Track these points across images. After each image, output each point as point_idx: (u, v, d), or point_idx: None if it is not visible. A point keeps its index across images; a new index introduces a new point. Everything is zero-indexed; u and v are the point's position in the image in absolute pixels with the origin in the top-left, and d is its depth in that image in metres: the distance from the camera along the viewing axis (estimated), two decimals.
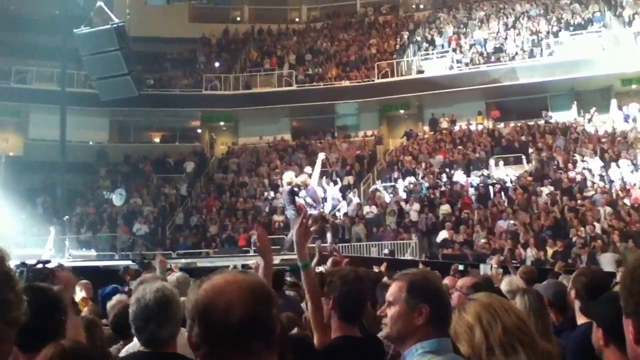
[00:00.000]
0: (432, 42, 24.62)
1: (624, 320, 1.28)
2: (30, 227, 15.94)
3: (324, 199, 17.17)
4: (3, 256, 1.12)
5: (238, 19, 30.16)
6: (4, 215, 15.16)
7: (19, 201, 17.68)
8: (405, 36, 25.69)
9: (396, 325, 1.79)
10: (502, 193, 17.19)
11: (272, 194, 19.83)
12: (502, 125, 22.15)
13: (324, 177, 19.29)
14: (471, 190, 17.56)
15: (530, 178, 17.37)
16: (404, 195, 17.99)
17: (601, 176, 16.69)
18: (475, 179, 18.24)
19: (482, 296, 1.90)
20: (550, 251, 13.29)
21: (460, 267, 8.63)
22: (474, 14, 26.07)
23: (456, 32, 24.72)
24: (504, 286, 4.10)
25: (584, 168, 17.09)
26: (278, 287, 4.54)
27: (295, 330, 3.08)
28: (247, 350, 1.22)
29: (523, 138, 20.14)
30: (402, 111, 24.84)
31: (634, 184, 15.83)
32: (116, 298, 4.11)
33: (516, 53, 22.23)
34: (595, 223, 14.13)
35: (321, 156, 13.18)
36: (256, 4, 30.07)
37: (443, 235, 15.31)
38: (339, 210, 17.39)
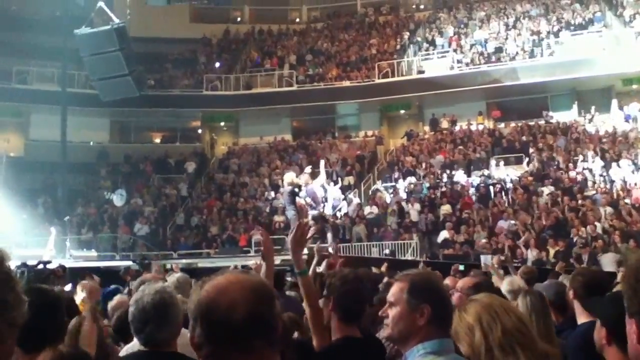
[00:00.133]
0: (432, 42, 24.62)
1: (627, 320, 1.28)
2: (31, 228, 15.94)
3: (325, 199, 17.20)
4: (3, 257, 1.12)
5: (239, 19, 30.17)
6: (5, 216, 15.18)
7: (19, 201, 17.71)
8: (406, 36, 25.69)
9: (398, 326, 1.79)
10: (503, 193, 17.19)
11: (272, 194, 19.84)
12: (502, 125, 22.15)
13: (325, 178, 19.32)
14: (472, 191, 17.55)
15: (531, 178, 17.37)
16: (404, 196, 17.98)
17: (602, 176, 16.68)
18: (475, 179, 18.24)
19: (483, 297, 1.90)
20: (552, 251, 13.28)
21: (461, 267, 8.61)
22: (475, 14, 26.07)
23: (457, 32, 24.72)
24: (505, 286, 4.09)
25: (584, 168, 17.09)
26: (279, 288, 4.55)
27: (295, 331, 3.08)
28: (249, 349, 1.22)
29: (524, 138, 20.13)
30: (402, 111, 24.84)
31: (635, 184, 15.82)
32: (117, 298, 4.12)
33: (517, 53, 22.22)
34: (596, 223, 14.12)
35: (322, 164, 13.21)
36: (257, 4, 30.09)
37: (444, 235, 15.30)
38: (339, 210, 17.39)
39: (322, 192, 15.64)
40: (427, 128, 23.58)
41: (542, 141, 19.53)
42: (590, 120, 20.49)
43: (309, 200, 12.71)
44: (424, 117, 24.23)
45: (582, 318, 2.95)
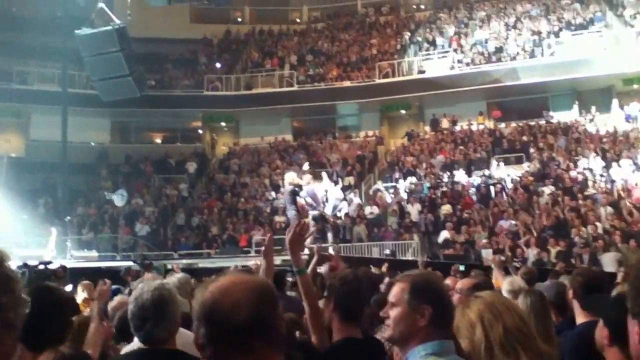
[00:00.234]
0: (433, 42, 24.61)
1: (630, 321, 1.28)
2: (32, 228, 15.94)
3: (325, 199, 17.21)
4: (2, 257, 1.11)
5: (239, 19, 30.18)
6: (6, 216, 15.19)
7: (20, 202, 17.71)
8: (406, 36, 25.69)
9: (398, 327, 1.79)
10: (504, 193, 17.18)
11: (273, 194, 19.84)
12: (503, 125, 22.14)
13: (325, 175, 19.33)
14: (472, 191, 17.54)
15: (531, 178, 17.36)
16: (405, 196, 17.97)
17: (602, 176, 16.66)
18: (476, 179, 18.23)
19: (487, 295, 1.90)
20: (553, 251, 13.26)
21: (461, 268, 8.61)
22: (475, 14, 26.07)
23: (457, 32, 24.71)
24: (505, 286, 4.09)
25: (585, 168, 17.07)
26: (279, 288, 4.56)
27: (296, 331, 3.09)
28: (253, 350, 1.23)
29: (524, 138, 20.13)
30: (403, 111, 24.84)
31: (636, 184, 15.80)
32: (117, 299, 4.12)
33: (517, 53, 22.22)
34: (596, 223, 14.10)
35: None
36: (257, 4, 30.10)
37: (444, 235, 15.29)
38: (339, 210, 17.39)
39: (322, 192, 15.66)
40: (427, 128, 23.58)
41: (543, 141, 19.52)
42: (591, 120, 20.48)
43: (309, 200, 12.74)
44: (424, 117, 24.23)
45: (580, 318, 2.96)
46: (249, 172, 22.11)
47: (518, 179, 17.64)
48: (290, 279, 5.72)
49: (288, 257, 2.85)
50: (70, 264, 11.23)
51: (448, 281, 4.88)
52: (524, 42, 22.62)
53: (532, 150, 19.06)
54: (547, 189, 16.37)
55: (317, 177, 12.54)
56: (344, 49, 26.30)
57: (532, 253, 13.24)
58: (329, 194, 16.93)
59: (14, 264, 1.17)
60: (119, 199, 19.01)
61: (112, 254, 16.95)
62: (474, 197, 17.15)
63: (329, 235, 15.22)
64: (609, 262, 11.83)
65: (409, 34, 25.91)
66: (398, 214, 16.82)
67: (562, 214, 14.96)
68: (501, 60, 22.19)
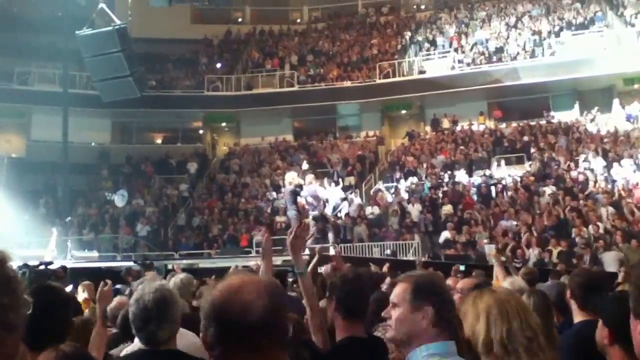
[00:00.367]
0: (433, 42, 24.61)
1: (632, 321, 1.28)
2: (33, 228, 15.96)
3: (326, 199, 17.22)
4: (4, 259, 1.11)
5: (240, 20, 30.19)
6: (7, 216, 15.20)
7: (21, 202, 17.74)
8: (407, 36, 25.69)
9: (400, 327, 1.78)
10: (504, 193, 17.17)
11: (274, 194, 19.84)
12: (504, 125, 22.13)
13: (326, 178, 19.35)
14: (473, 191, 17.53)
15: (532, 178, 17.35)
16: (405, 196, 17.97)
17: (604, 176, 16.65)
18: (477, 179, 18.23)
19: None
20: (555, 251, 13.25)
21: (462, 268, 8.60)
22: (476, 14, 26.07)
23: (458, 32, 24.71)
24: (506, 286, 4.09)
25: (586, 168, 17.06)
26: None
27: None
28: (262, 349, 1.23)
29: (525, 138, 20.11)
30: (403, 111, 24.83)
31: (637, 184, 15.79)
32: (117, 299, 4.11)
33: (518, 53, 22.21)
34: (598, 223, 14.09)
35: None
36: (258, 5, 30.10)
37: (445, 235, 15.28)
38: (340, 210, 17.40)
39: (323, 192, 15.67)
40: (428, 128, 23.57)
41: (544, 141, 19.51)
42: (592, 120, 20.47)
43: (310, 199, 12.74)
44: (425, 117, 24.22)
45: (578, 317, 2.97)
46: (249, 172, 22.11)
47: (519, 179, 17.63)
48: (291, 279, 5.73)
49: (288, 257, 2.86)
50: (70, 264, 11.26)
51: (449, 281, 4.88)
52: (525, 42, 22.61)
53: (533, 150, 19.04)
54: (548, 189, 16.35)
55: (318, 177, 12.53)
56: (345, 49, 26.30)
57: (533, 253, 13.23)
58: (329, 194, 16.94)
59: (14, 265, 1.17)
60: (119, 199, 19.02)
61: (113, 254, 16.96)
62: (475, 197, 17.15)
63: (330, 236, 15.22)
64: (610, 261, 11.82)
65: (409, 34, 25.91)
66: (399, 214, 16.81)
67: (563, 214, 14.95)
68: (502, 60, 22.18)
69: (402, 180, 19.10)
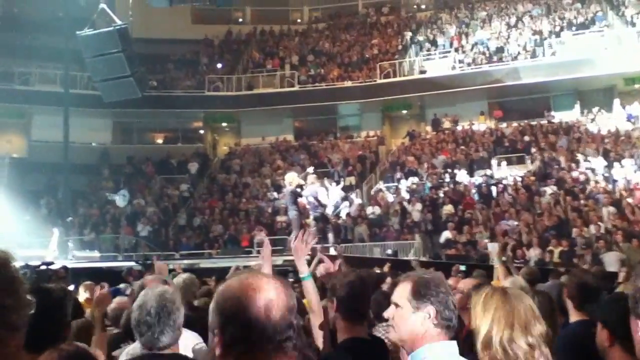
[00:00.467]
0: (434, 42, 24.60)
1: (633, 321, 1.28)
2: (34, 229, 15.96)
3: (327, 200, 17.19)
4: (8, 259, 1.11)
5: (240, 20, 30.20)
6: (8, 217, 15.21)
7: (22, 202, 17.76)
8: (407, 36, 25.68)
9: (402, 328, 1.79)
10: (505, 193, 17.16)
11: (274, 194, 19.84)
12: (504, 125, 22.12)
13: (326, 178, 19.34)
14: (474, 191, 17.53)
15: (533, 178, 17.34)
16: (406, 196, 17.97)
17: (604, 176, 16.64)
18: (478, 179, 18.22)
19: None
20: (556, 252, 13.24)
21: (462, 268, 8.60)
22: (476, 14, 26.06)
23: (458, 32, 24.70)
24: (507, 286, 4.09)
25: (587, 168, 17.05)
26: None
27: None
28: (281, 349, 1.23)
29: (526, 138, 20.10)
30: (404, 111, 24.83)
31: (638, 183, 15.77)
32: (117, 300, 4.12)
33: (518, 53, 22.20)
34: (599, 223, 14.08)
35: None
36: (258, 5, 30.11)
37: (446, 235, 15.27)
38: (341, 210, 17.39)
39: (324, 192, 15.66)
40: (429, 128, 23.57)
41: (545, 141, 19.50)
42: (593, 120, 20.46)
43: (311, 199, 12.73)
44: (425, 117, 24.21)
45: (574, 317, 2.98)
46: (250, 173, 22.12)
47: (520, 178, 17.62)
48: (291, 280, 5.73)
49: (288, 257, 2.86)
50: (72, 264, 11.25)
51: (450, 281, 4.88)
52: (525, 42, 22.60)
53: (533, 150, 19.03)
54: (549, 189, 16.34)
55: (320, 177, 12.53)
56: (345, 49, 26.30)
57: (534, 253, 13.22)
58: (330, 194, 16.90)
59: (17, 265, 1.17)
60: (120, 199, 19.02)
61: (114, 255, 16.97)
62: (476, 197, 17.14)
63: (330, 236, 15.22)
64: (611, 261, 11.80)
65: (410, 34, 25.90)
66: (399, 214, 16.81)
67: (563, 213, 14.94)
68: (502, 60, 22.17)
69: (403, 180, 19.10)
